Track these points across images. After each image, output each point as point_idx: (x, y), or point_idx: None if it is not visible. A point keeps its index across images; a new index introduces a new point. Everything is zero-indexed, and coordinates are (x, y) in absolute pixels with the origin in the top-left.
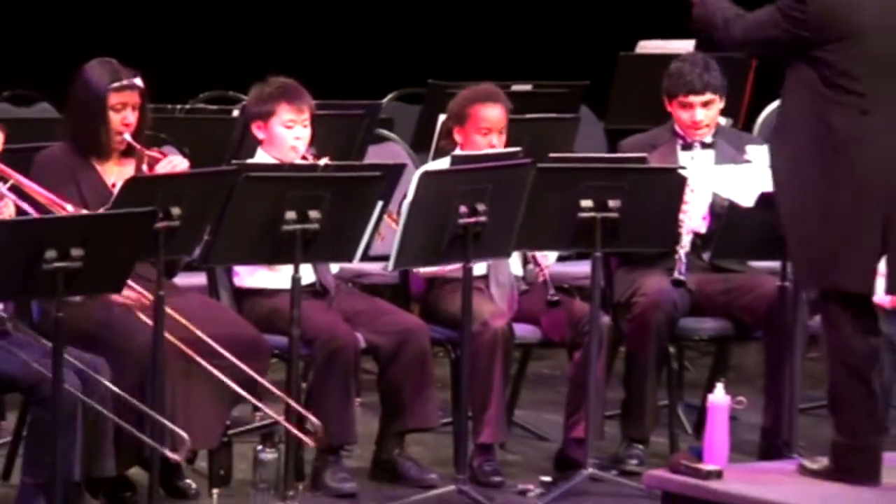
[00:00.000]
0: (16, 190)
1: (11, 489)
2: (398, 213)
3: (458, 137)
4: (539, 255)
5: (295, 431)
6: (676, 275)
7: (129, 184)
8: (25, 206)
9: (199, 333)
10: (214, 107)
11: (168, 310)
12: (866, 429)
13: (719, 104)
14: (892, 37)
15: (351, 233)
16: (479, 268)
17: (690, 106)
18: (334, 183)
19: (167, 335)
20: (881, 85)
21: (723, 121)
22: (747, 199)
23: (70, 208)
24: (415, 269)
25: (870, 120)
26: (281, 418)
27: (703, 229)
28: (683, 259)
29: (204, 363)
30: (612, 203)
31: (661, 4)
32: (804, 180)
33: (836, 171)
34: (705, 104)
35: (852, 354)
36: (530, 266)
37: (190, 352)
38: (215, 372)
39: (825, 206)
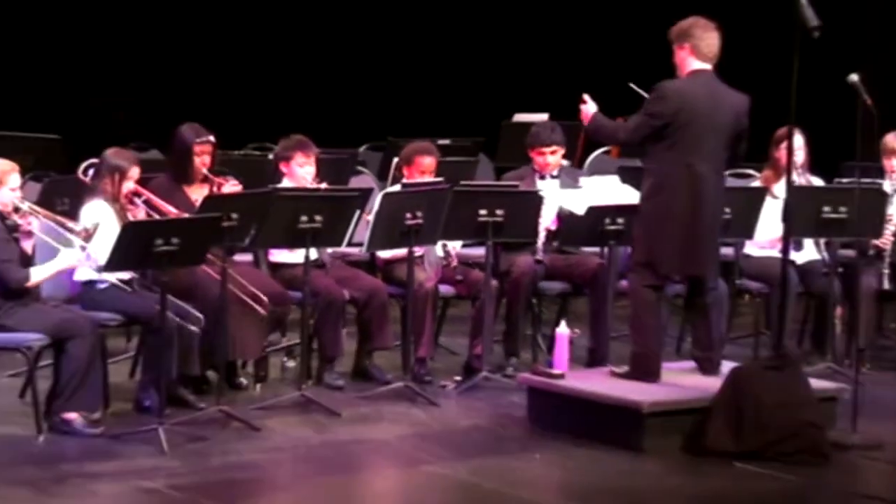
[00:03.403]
0: (146, 203)
1: (134, 383)
2: (368, 214)
3: (405, 173)
4: (451, 250)
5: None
6: (538, 256)
7: (206, 200)
8: (150, 213)
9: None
10: (258, 152)
11: (230, 272)
12: (652, 342)
13: (561, 151)
14: (710, 118)
15: (340, 229)
16: (418, 251)
17: (543, 154)
18: (330, 199)
19: (231, 288)
20: (700, 150)
21: (565, 162)
22: (580, 210)
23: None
24: (378, 252)
25: (694, 169)
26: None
27: (553, 228)
28: (541, 248)
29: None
30: (498, 212)
31: (529, 93)
32: (658, 206)
33: (676, 201)
34: (552, 152)
35: (645, 299)
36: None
37: (246, 298)
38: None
39: (667, 218)
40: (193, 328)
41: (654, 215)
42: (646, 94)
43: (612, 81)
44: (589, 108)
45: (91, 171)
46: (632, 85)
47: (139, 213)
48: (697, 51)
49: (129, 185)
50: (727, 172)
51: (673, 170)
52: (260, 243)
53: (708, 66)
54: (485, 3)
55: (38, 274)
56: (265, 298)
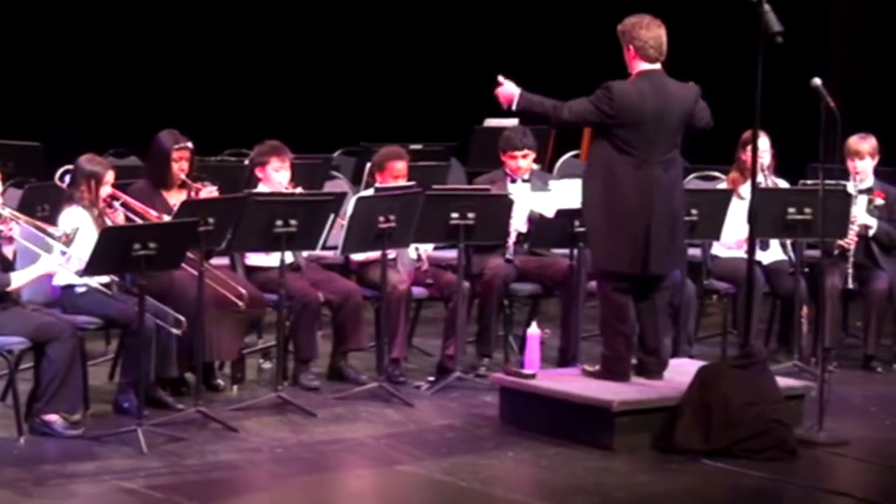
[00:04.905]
0: (123, 206)
1: (113, 385)
2: (343, 218)
3: (378, 178)
4: (423, 254)
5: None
6: (508, 256)
7: (183, 205)
8: (129, 216)
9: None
10: (233, 158)
11: (213, 270)
12: (622, 347)
13: (532, 156)
14: (659, 120)
15: (315, 232)
16: (391, 254)
17: (515, 158)
18: (305, 203)
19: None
20: (651, 151)
21: (535, 166)
22: (550, 212)
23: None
24: (352, 255)
25: (645, 171)
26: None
27: (524, 230)
28: (512, 248)
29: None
30: (469, 215)
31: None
32: (603, 205)
33: (626, 202)
34: (524, 156)
35: (615, 304)
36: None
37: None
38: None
39: (614, 222)
40: (175, 331)
41: (606, 216)
42: None
43: (580, 86)
44: (510, 88)
45: (67, 178)
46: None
47: (118, 217)
48: (642, 52)
49: (105, 190)
50: (693, 176)
51: (622, 171)
52: (236, 247)
53: (655, 66)
54: (455, 11)
55: (18, 279)
56: (244, 291)
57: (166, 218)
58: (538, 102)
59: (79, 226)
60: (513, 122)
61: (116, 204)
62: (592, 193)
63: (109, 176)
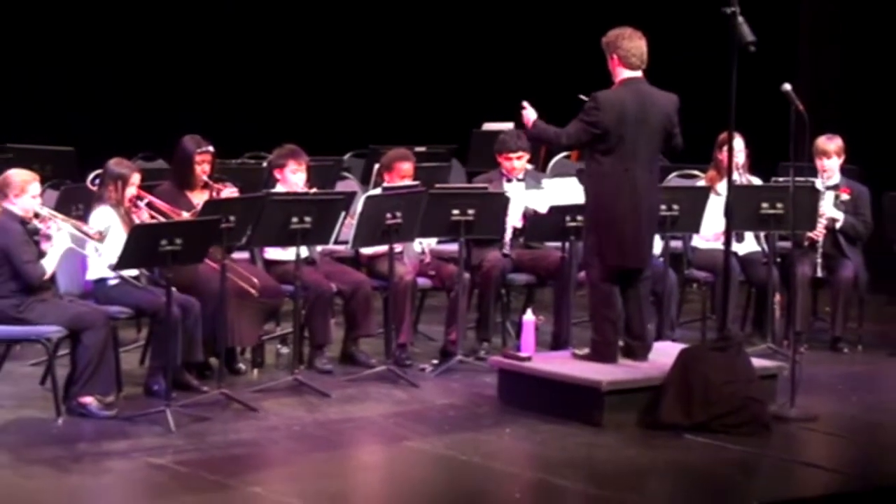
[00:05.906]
0: (148, 206)
1: (144, 369)
2: (353, 215)
3: (386, 178)
4: (427, 248)
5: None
6: (505, 251)
7: (206, 204)
8: (154, 215)
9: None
10: (253, 161)
11: (232, 264)
12: (610, 332)
13: (526, 157)
14: (641, 124)
15: (328, 228)
16: (397, 247)
17: (510, 159)
18: (318, 202)
19: (231, 277)
20: (635, 155)
21: (529, 166)
22: (543, 209)
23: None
24: (362, 249)
25: (631, 173)
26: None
27: (520, 225)
28: (509, 244)
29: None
30: (469, 211)
31: (496, 103)
32: (601, 208)
33: (616, 202)
34: (518, 157)
35: (603, 293)
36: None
37: (244, 285)
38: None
39: (611, 218)
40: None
41: (599, 215)
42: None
43: (567, 91)
44: (529, 114)
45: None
46: (582, 97)
47: (143, 216)
48: (625, 61)
49: (131, 191)
50: (674, 174)
51: (612, 174)
52: (255, 242)
53: (637, 74)
54: (456, 25)
55: (48, 264)
56: (256, 280)
57: (185, 215)
58: (543, 130)
59: (110, 224)
60: (508, 126)
61: (141, 203)
62: (589, 196)
63: (135, 178)
